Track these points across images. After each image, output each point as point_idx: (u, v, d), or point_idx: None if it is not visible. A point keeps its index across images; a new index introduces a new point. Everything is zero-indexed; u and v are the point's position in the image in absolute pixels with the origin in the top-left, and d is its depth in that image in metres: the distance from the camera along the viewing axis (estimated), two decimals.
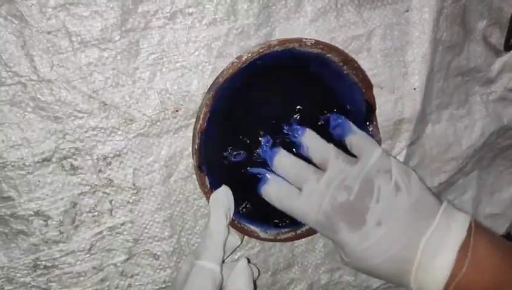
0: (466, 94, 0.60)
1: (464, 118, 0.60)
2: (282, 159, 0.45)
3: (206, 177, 0.45)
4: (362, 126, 0.49)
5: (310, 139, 0.46)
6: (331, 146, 0.45)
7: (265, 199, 0.46)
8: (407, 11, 0.51)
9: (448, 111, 0.59)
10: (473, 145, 0.61)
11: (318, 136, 0.46)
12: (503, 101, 0.63)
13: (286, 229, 0.50)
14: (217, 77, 0.43)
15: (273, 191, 0.45)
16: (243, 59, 0.43)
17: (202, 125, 0.42)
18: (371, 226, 0.42)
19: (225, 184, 0.46)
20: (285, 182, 0.45)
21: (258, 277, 0.50)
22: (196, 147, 0.43)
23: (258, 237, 0.49)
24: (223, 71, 0.43)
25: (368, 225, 0.42)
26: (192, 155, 0.44)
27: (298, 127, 0.46)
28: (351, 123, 0.47)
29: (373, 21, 0.50)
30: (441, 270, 0.40)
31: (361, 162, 0.44)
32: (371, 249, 0.42)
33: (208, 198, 0.45)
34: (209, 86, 0.45)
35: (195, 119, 0.45)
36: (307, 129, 0.46)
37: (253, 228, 0.49)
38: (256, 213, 0.49)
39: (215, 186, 0.45)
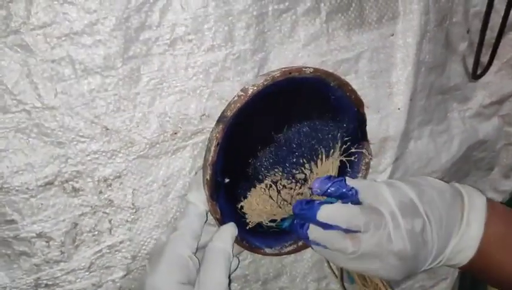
0: (445, 111, 0.63)
1: (443, 133, 0.64)
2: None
3: (217, 204, 0.47)
4: (357, 143, 0.52)
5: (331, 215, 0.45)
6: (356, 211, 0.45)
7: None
8: (392, 35, 0.54)
9: (429, 127, 0.62)
10: (451, 159, 0.65)
11: (336, 209, 0.45)
12: (478, 117, 0.67)
13: (289, 243, 0.53)
14: (224, 110, 0.45)
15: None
16: (249, 92, 0.44)
17: (213, 157, 0.44)
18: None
19: (232, 208, 0.49)
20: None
21: (234, 271, 0.51)
22: (208, 177, 0.45)
23: (264, 253, 0.51)
24: (229, 104, 0.45)
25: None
26: (204, 185, 0.46)
27: (314, 205, 0.46)
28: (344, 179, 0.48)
29: (361, 45, 0.53)
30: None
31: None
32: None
33: (219, 223, 0.47)
34: (205, 108, 0.47)
35: (190, 140, 0.47)
36: (322, 207, 0.45)
37: (258, 244, 0.51)
38: (262, 230, 0.51)
39: (224, 212, 0.47)
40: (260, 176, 0.49)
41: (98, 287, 0.48)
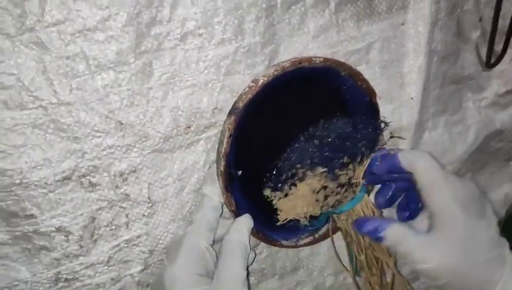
0: (460, 101, 0.63)
1: (459, 123, 0.63)
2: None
3: (232, 196, 0.47)
4: (369, 131, 0.52)
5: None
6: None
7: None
8: (403, 24, 0.54)
9: (443, 118, 0.61)
10: (468, 149, 0.64)
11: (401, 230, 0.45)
12: (494, 106, 0.66)
13: (305, 235, 0.53)
14: (236, 102, 0.46)
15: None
16: (260, 83, 0.45)
17: (226, 149, 0.44)
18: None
19: (248, 200, 0.48)
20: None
21: (252, 262, 0.51)
22: (222, 169, 0.45)
23: (280, 245, 0.52)
24: (241, 95, 0.45)
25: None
26: (218, 177, 0.46)
27: (379, 225, 0.46)
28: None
29: (371, 35, 0.53)
30: None
31: None
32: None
33: (234, 215, 0.47)
34: (217, 102, 0.48)
35: (204, 134, 0.48)
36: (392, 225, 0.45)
37: (275, 237, 0.51)
38: (277, 224, 0.51)
39: (240, 204, 0.48)
40: (284, 171, 0.48)
41: (117, 282, 0.49)
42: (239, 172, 0.47)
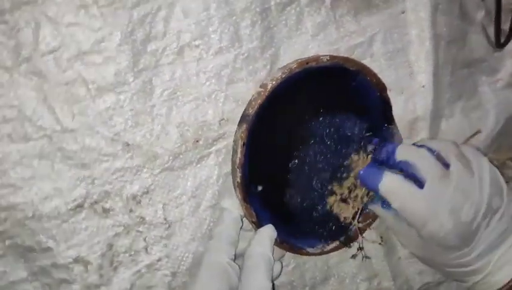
0: (474, 85, 0.61)
1: (476, 108, 0.61)
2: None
3: (252, 207, 0.45)
4: (383, 127, 0.50)
5: (411, 154, 0.46)
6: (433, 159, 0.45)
7: (385, 195, 0.46)
8: (403, 12, 0.53)
9: (459, 104, 0.59)
10: (490, 134, 0.62)
11: (415, 148, 0.47)
12: (511, 87, 0.64)
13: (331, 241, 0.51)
14: (246, 109, 0.45)
15: (393, 185, 0.45)
16: (268, 87, 0.44)
17: (241, 159, 0.43)
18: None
19: (268, 210, 0.47)
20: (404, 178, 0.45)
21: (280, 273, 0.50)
22: (238, 180, 0.44)
23: (306, 254, 0.50)
24: (250, 102, 0.44)
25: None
26: (235, 189, 0.45)
27: (389, 145, 0.48)
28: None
29: (372, 27, 0.52)
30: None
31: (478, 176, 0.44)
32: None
33: (255, 226, 0.46)
34: (223, 112, 0.47)
35: (213, 147, 0.47)
36: (400, 146, 0.47)
37: (300, 245, 0.49)
38: (302, 230, 0.49)
39: (260, 214, 0.46)
40: (304, 178, 0.48)
41: None
42: (260, 187, 0.46)
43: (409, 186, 0.44)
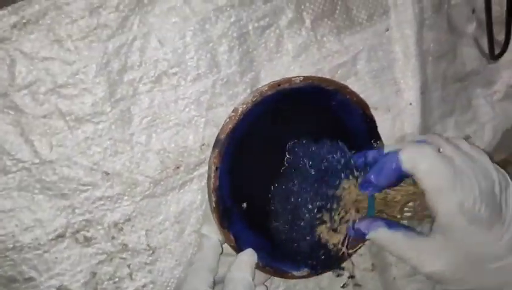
0: (468, 99, 0.60)
1: (471, 122, 0.60)
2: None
3: (230, 231, 0.45)
4: (368, 145, 0.50)
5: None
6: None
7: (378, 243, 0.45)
8: (387, 30, 0.52)
9: (452, 119, 0.58)
10: (487, 148, 0.60)
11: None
12: (509, 99, 0.62)
13: None
14: (219, 134, 0.45)
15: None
16: (239, 111, 0.44)
17: (215, 183, 0.43)
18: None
19: (248, 233, 0.47)
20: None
21: None
22: (214, 205, 0.44)
23: (292, 277, 0.49)
24: (222, 127, 0.44)
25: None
26: (212, 213, 0.45)
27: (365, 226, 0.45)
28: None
29: (355, 46, 0.51)
30: None
31: None
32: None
33: (235, 250, 0.45)
34: (204, 137, 0.47)
35: (195, 172, 0.47)
36: (378, 230, 0.44)
37: (285, 269, 0.49)
38: (287, 253, 0.49)
39: (242, 237, 0.46)
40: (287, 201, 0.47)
41: None
42: (244, 205, 0.46)
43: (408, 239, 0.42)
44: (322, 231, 0.47)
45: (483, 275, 0.39)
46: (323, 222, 0.46)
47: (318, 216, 0.46)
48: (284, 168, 0.47)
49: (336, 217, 0.46)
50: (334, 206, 0.46)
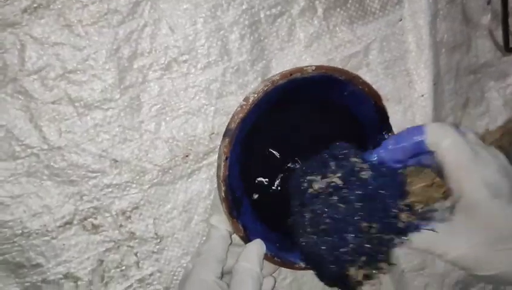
0: (481, 91, 0.59)
1: (484, 115, 0.59)
2: None
3: (239, 221, 0.45)
4: (379, 136, 0.49)
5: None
6: None
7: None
8: (400, 20, 0.51)
9: (465, 111, 0.57)
10: None
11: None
12: None
13: None
14: (229, 123, 0.44)
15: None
16: (250, 101, 0.43)
17: (224, 173, 0.43)
18: None
19: (257, 221, 0.46)
20: None
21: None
22: (223, 194, 0.43)
23: (299, 268, 0.49)
24: (233, 116, 0.44)
25: None
26: (221, 203, 0.44)
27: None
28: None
29: (367, 36, 0.50)
30: None
31: None
32: None
33: (245, 241, 0.45)
34: (213, 126, 0.46)
35: (204, 161, 0.46)
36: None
37: (293, 259, 0.48)
38: (293, 244, 0.49)
39: (249, 228, 0.46)
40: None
41: None
42: (255, 195, 0.46)
43: None
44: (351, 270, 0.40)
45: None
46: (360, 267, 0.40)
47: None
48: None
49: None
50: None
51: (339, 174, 0.40)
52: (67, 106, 0.42)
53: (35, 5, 0.40)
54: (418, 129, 0.41)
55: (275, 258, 0.47)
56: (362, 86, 0.48)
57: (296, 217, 0.42)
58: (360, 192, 0.39)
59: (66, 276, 0.44)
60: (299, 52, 0.49)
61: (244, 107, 0.43)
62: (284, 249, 0.48)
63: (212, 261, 0.43)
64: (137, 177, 0.45)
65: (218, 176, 0.44)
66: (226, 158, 0.43)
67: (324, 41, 0.49)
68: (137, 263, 0.47)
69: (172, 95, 0.45)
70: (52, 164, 0.42)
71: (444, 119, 0.55)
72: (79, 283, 0.44)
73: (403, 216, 0.39)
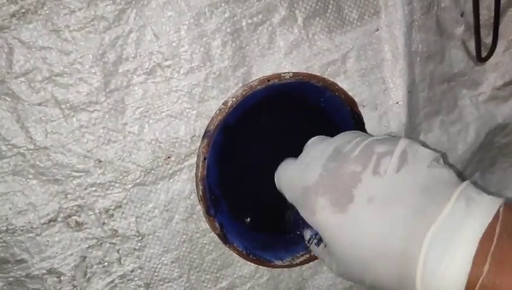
0: (454, 99, 0.61)
1: (456, 122, 0.61)
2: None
3: (216, 219, 0.47)
4: None
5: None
6: None
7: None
8: (377, 30, 0.53)
9: (438, 118, 0.60)
10: (470, 148, 0.62)
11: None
12: (494, 100, 0.64)
13: (300, 253, 0.52)
14: (208, 125, 0.46)
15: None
16: (229, 104, 0.45)
17: (202, 173, 0.45)
18: (360, 203, 0.32)
19: (234, 220, 0.49)
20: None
21: None
22: (201, 193, 0.45)
23: (274, 266, 0.51)
24: (212, 119, 0.46)
25: (356, 202, 0.33)
26: (199, 201, 0.46)
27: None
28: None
29: (345, 45, 0.52)
30: (455, 272, 0.28)
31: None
32: (359, 236, 0.32)
33: (221, 239, 0.47)
34: (195, 129, 0.48)
35: (185, 162, 0.48)
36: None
37: (269, 258, 0.51)
38: (270, 243, 0.51)
39: (225, 226, 0.48)
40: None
41: None
42: (248, 219, 0.48)
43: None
44: None
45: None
46: None
47: None
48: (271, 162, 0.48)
49: None
50: None
51: None
52: (53, 107, 0.43)
53: (23, 10, 0.41)
54: None
55: (251, 256, 0.49)
56: (338, 92, 0.50)
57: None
58: None
59: (50, 271, 0.45)
60: (279, 59, 0.50)
61: (222, 110, 0.45)
62: (260, 248, 0.50)
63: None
64: (121, 177, 0.47)
65: (196, 176, 0.46)
66: (204, 159, 0.45)
67: (304, 49, 0.51)
68: (119, 259, 0.48)
69: (156, 98, 0.47)
70: (38, 163, 0.44)
71: (418, 126, 0.58)
72: (62, 278, 0.46)
73: None
